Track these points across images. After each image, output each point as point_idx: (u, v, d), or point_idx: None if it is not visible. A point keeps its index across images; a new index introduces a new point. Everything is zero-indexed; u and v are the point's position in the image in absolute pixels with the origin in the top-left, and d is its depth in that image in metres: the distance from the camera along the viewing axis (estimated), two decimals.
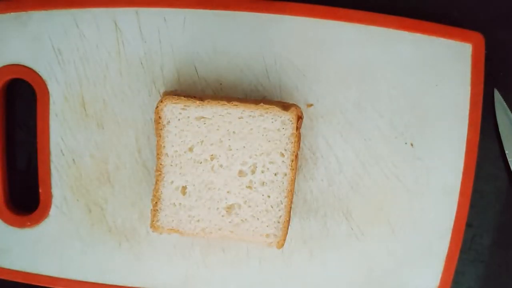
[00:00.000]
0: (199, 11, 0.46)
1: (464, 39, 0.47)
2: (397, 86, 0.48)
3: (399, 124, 0.48)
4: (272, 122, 0.41)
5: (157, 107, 0.42)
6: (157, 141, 0.43)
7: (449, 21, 0.48)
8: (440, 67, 0.48)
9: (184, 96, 0.43)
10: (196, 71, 0.47)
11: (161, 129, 0.43)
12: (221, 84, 0.48)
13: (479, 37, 0.47)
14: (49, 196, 0.49)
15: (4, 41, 0.47)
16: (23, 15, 0.47)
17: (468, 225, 0.51)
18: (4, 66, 0.47)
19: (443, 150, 0.48)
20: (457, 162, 0.48)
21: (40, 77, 0.48)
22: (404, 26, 0.47)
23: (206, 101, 0.42)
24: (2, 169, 0.49)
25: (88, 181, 0.49)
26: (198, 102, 0.42)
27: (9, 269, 0.50)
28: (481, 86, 0.48)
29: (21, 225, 0.49)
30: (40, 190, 0.49)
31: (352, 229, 0.49)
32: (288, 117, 0.41)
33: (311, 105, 0.48)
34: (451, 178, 0.49)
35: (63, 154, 0.48)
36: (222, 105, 0.42)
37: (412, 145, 0.49)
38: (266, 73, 0.48)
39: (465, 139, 0.48)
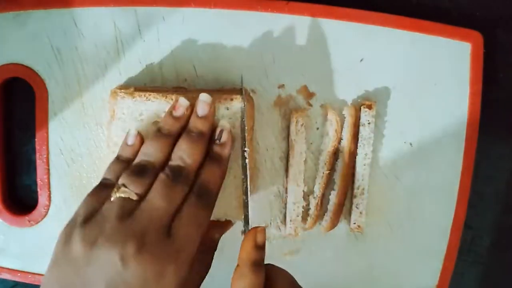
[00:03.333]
0: (198, 10, 0.46)
1: (463, 38, 0.47)
2: (396, 85, 0.48)
3: (398, 123, 0.48)
4: (227, 110, 0.42)
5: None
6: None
7: (448, 21, 0.48)
8: (439, 66, 0.48)
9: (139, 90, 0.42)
10: (195, 70, 0.47)
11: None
12: (219, 83, 0.48)
13: (478, 37, 0.47)
14: (48, 195, 0.49)
15: (3, 40, 0.47)
16: (22, 14, 0.47)
17: (468, 226, 0.51)
18: (3, 65, 0.47)
19: (442, 149, 0.48)
20: (456, 161, 0.48)
21: (39, 76, 0.47)
22: (403, 25, 0.47)
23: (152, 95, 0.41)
24: (1, 169, 0.49)
25: (87, 180, 0.49)
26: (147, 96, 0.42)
27: (8, 268, 0.50)
28: (480, 85, 0.48)
29: (21, 225, 0.49)
30: (39, 190, 0.49)
31: (351, 228, 0.49)
32: (240, 104, 0.41)
33: (310, 105, 0.48)
34: (450, 177, 0.49)
35: (62, 154, 0.48)
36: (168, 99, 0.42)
37: (411, 144, 0.49)
38: (265, 72, 0.48)
39: (463, 138, 0.48)
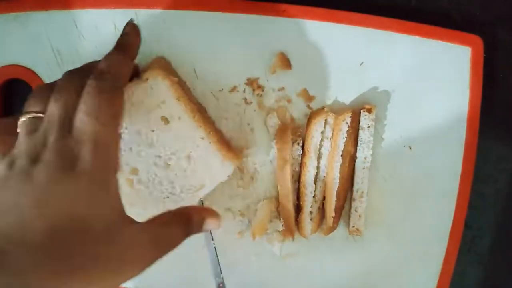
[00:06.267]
0: (199, 13, 0.46)
1: (463, 42, 0.47)
2: (396, 88, 0.48)
3: (398, 127, 0.48)
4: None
5: None
6: None
7: (448, 24, 0.48)
8: (439, 70, 0.48)
9: None
10: (195, 72, 0.47)
11: None
12: (219, 85, 0.48)
13: (478, 41, 0.47)
14: None
15: (3, 42, 0.47)
16: (22, 16, 0.47)
17: (468, 226, 0.51)
18: (3, 67, 0.47)
19: (441, 153, 0.49)
20: (456, 165, 0.49)
21: (39, 77, 0.48)
22: (403, 29, 0.47)
23: None
24: None
25: None
26: None
27: None
28: (480, 89, 0.48)
29: None
30: None
31: (350, 231, 0.49)
32: (156, 72, 0.42)
33: (310, 109, 0.48)
34: (450, 181, 0.49)
35: None
36: None
37: (410, 148, 0.49)
38: (265, 75, 0.48)
39: (463, 142, 0.48)
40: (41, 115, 0.33)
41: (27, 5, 0.47)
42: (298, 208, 0.48)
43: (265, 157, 0.49)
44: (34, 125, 0.33)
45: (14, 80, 0.48)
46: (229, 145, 0.46)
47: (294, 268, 0.50)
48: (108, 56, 0.37)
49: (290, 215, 0.47)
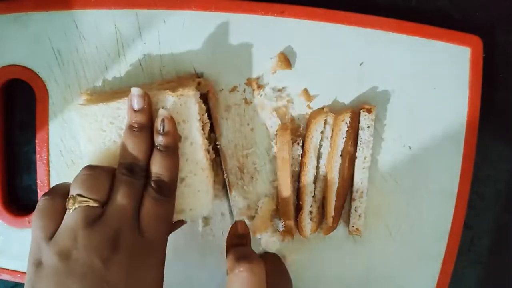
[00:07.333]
0: (199, 13, 0.46)
1: (462, 42, 0.47)
2: (395, 89, 0.48)
3: (398, 127, 0.48)
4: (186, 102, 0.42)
5: None
6: None
7: (448, 24, 0.48)
8: (438, 70, 0.48)
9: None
10: (196, 72, 0.47)
11: None
12: (220, 85, 0.48)
13: (477, 41, 0.47)
14: None
15: (3, 42, 0.47)
16: (23, 16, 0.47)
17: (468, 226, 0.51)
18: (4, 67, 0.47)
19: (441, 153, 0.49)
20: (455, 165, 0.49)
21: (39, 78, 0.48)
22: (403, 29, 0.47)
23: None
24: (2, 170, 0.49)
25: None
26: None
27: (8, 269, 0.50)
28: (479, 89, 0.48)
29: (21, 226, 0.49)
30: (39, 191, 0.49)
31: (349, 231, 0.49)
32: (192, 92, 0.42)
33: (310, 108, 0.48)
34: (449, 180, 0.49)
35: (62, 155, 0.48)
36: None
37: (410, 147, 0.49)
38: (266, 75, 0.48)
39: (462, 142, 0.48)
40: (95, 204, 0.35)
41: (28, 6, 0.47)
42: (298, 208, 0.48)
43: (265, 157, 0.49)
44: (92, 214, 0.35)
45: (15, 80, 0.48)
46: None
47: (294, 267, 0.50)
48: (158, 161, 0.39)
49: (290, 215, 0.47)
